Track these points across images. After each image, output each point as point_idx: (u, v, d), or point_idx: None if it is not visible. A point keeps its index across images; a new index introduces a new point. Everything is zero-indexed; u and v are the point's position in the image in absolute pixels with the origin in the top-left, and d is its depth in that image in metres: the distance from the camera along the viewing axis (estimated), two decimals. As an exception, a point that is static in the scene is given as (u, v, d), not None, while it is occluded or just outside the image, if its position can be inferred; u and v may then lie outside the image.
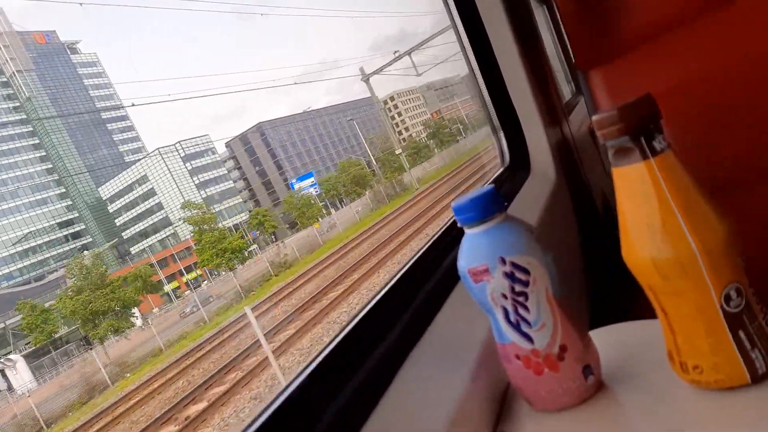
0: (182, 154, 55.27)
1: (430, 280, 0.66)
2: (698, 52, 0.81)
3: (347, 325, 0.54)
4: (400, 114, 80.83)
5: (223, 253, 24.30)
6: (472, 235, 0.44)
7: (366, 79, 22.95)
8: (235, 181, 63.09)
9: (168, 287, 38.44)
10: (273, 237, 42.49)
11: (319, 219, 33.32)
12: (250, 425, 0.40)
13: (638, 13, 0.85)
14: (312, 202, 38.80)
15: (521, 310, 0.44)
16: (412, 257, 0.71)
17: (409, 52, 18.46)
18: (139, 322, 24.04)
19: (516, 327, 0.44)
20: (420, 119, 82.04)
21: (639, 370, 0.45)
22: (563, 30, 0.97)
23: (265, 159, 61.45)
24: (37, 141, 59.13)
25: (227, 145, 63.73)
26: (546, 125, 1.09)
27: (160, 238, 55.07)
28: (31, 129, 59.25)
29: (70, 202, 58.94)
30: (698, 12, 0.80)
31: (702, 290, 0.36)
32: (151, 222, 56.21)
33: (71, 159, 60.09)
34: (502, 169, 1.15)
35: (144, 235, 56.86)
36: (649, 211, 0.37)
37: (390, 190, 28.33)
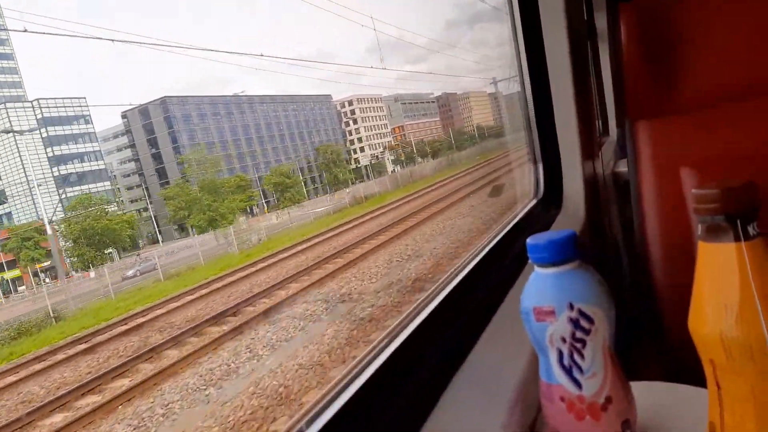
0: (38, 116, 46.36)
1: (470, 305, 0.75)
2: (756, 128, 0.91)
3: (386, 348, 0.60)
4: (356, 122, 76.31)
5: None
6: (544, 274, 0.52)
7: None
8: (122, 162, 55.27)
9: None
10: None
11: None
12: None
13: (705, 77, 0.97)
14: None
15: (576, 356, 0.51)
16: (451, 282, 0.79)
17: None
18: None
19: (567, 371, 0.52)
20: (378, 131, 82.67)
21: None
22: (622, 74, 1.04)
23: (164, 142, 53.60)
24: None
25: (124, 115, 55.11)
26: (583, 162, 1.23)
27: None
28: None
29: None
30: (762, 90, 0.91)
31: (763, 376, 0.45)
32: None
33: None
34: (535, 201, 1.28)
35: (-32, 207, 50.35)
36: (729, 291, 0.45)
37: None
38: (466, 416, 0.53)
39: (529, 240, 0.52)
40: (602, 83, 2.02)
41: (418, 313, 0.69)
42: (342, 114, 76.05)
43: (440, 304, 0.73)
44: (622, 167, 1.38)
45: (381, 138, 78.10)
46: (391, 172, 53.82)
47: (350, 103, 77.17)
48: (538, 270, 0.52)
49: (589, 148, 1.27)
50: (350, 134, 76.29)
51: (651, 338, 1.00)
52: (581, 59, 1.25)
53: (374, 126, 79.52)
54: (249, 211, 39.33)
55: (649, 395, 0.58)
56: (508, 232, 1.07)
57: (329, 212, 25.06)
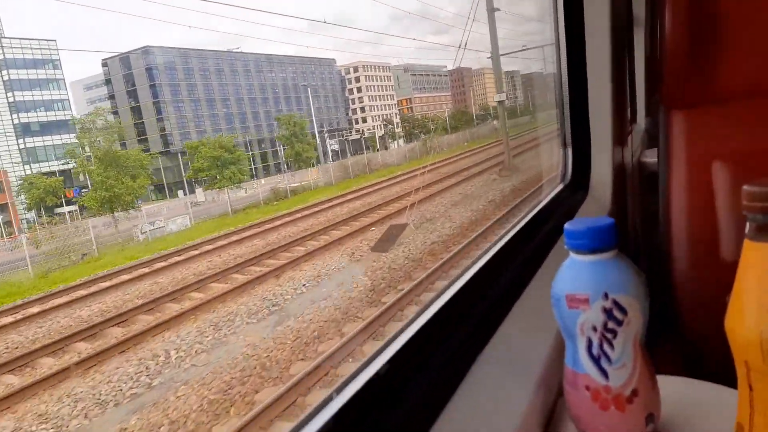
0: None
1: (498, 284, 0.78)
2: None
3: (412, 324, 0.63)
4: (360, 90, 71.03)
5: None
6: (579, 261, 0.53)
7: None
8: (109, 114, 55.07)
9: None
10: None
11: None
12: (309, 420, 0.47)
13: (747, 68, 0.97)
14: None
15: (606, 346, 0.53)
16: (478, 261, 0.82)
17: None
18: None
19: (596, 360, 0.53)
20: (383, 102, 79.37)
21: (699, 431, 0.56)
22: (660, 62, 1.04)
23: (145, 95, 50.28)
24: None
25: (104, 63, 50.89)
26: (613, 149, 1.26)
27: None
28: None
29: None
30: None
31: None
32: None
33: None
34: (561, 186, 1.32)
35: None
36: None
37: None
38: (489, 394, 0.55)
39: (567, 225, 0.53)
40: (634, 69, 2.05)
41: (447, 290, 0.71)
42: (346, 81, 75.25)
43: (469, 281, 0.75)
44: (650, 157, 1.42)
45: (386, 110, 76.88)
46: (383, 149, 49.97)
47: (356, 69, 71.45)
48: (573, 256, 0.54)
49: (620, 136, 1.30)
50: (353, 103, 75.10)
51: (668, 332, 1.01)
52: (620, 44, 1.27)
53: (380, 96, 78.42)
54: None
55: (672, 390, 0.60)
56: (536, 215, 1.09)
57: (228, 213, 19.83)
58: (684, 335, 1.01)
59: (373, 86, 74.47)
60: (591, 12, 1.21)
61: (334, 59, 69.22)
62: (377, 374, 0.52)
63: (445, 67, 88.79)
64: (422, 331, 0.62)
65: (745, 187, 0.48)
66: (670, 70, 1.02)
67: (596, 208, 1.21)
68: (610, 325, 0.52)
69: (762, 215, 0.47)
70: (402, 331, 0.61)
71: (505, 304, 0.73)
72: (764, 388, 0.48)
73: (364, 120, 70.99)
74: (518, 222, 1.03)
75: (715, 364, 0.54)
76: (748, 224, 0.48)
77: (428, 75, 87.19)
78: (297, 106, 61.75)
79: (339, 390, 0.50)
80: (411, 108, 76.95)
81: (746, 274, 0.49)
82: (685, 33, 0.99)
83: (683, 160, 1.02)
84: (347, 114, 70.17)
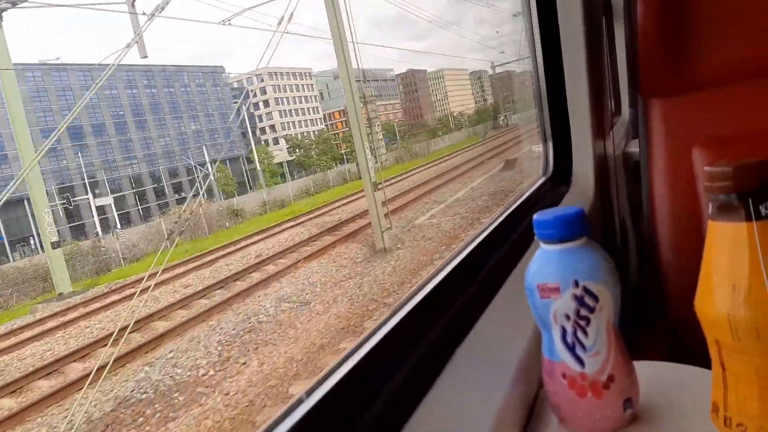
0: None
1: (476, 280, 0.93)
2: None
3: (388, 321, 0.73)
4: (267, 104, 66.18)
5: None
6: (549, 251, 0.64)
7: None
8: None
9: None
10: None
11: None
12: (278, 423, 0.53)
13: (722, 55, 1.14)
14: None
15: (579, 334, 0.63)
16: (457, 256, 0.96)
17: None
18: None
19: (570, 348, 0.64)
20: (304, 118, 67.47)
21: (677, 413, 0.67)
22: (636, 52, 1.24)
23: None
24: None
25: None
26: (594, 141, 1.47)
27: None
28: None
29: None
30: None
31: None
32: None
33: None
34: (543, 179, 1.57)
35: None
36: (738, 271, 0.55)
37: None
38: (467, 390, 0.64)
39: (535, 216, 0.63)
40: (616, 61, 2.29)
41: (423, 287, 0.79)
42: (250, 93, 74.35)
43: (445, 278, 0.84)
44: (634, 147, 1.58)
45: (307, 126, 75.77)
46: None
47: (260, 78, 65.79)
48: (544, 246, 0.64)
49: (601, 127, 1.48)
50: (260, 120, 72.42)
51: (655, 318, 1.16)
52: (596, 35, 1.41)
53: (297, 110, 77.65)
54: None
55: (652, 375, 0.71)
56: (516, 208, 1.22)
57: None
58: (670, 320, 1.16)
59: (288, 98, 73.93)
60: (563, 2, 1.37)
61: (222, 66, 63.66)
62: (351, 371, 0.60)
63: (392, 70, 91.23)
64: (398, 327, 0.70)
65: (705, 168, 0.57)
66: (646, 60, 1.17)
67: (579, 200, 1.40)
68: (583, 312, 0.63)
69: (723, 195, 0.56)
70: (378, 328, 0.68)
71: (483, 298, 0.82)
72: (735, 366, 0.57)
73: (276, 142, 70.41)
74: (498, 216, 1.14)
75: (698, 347, 0.63)
76: (710, 204, 0.57)
77: (368, 81, 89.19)
78: (159, 129, 53.10)
79: (310, 392, 0.57)
80: (347, 121, 78.26)
81: (711, 254, 0.58)
82: (658, 22, 1.13)
83: (663, 149, 1.19)
84: (255, 134, 68.35)
